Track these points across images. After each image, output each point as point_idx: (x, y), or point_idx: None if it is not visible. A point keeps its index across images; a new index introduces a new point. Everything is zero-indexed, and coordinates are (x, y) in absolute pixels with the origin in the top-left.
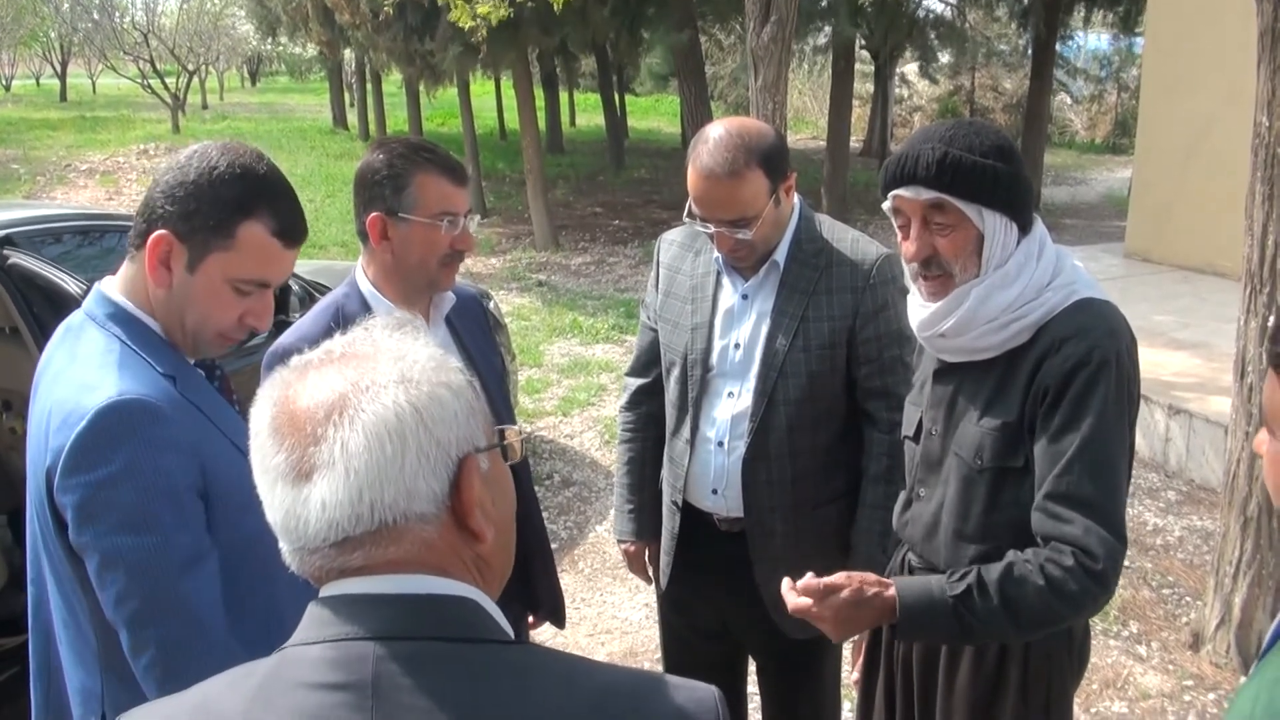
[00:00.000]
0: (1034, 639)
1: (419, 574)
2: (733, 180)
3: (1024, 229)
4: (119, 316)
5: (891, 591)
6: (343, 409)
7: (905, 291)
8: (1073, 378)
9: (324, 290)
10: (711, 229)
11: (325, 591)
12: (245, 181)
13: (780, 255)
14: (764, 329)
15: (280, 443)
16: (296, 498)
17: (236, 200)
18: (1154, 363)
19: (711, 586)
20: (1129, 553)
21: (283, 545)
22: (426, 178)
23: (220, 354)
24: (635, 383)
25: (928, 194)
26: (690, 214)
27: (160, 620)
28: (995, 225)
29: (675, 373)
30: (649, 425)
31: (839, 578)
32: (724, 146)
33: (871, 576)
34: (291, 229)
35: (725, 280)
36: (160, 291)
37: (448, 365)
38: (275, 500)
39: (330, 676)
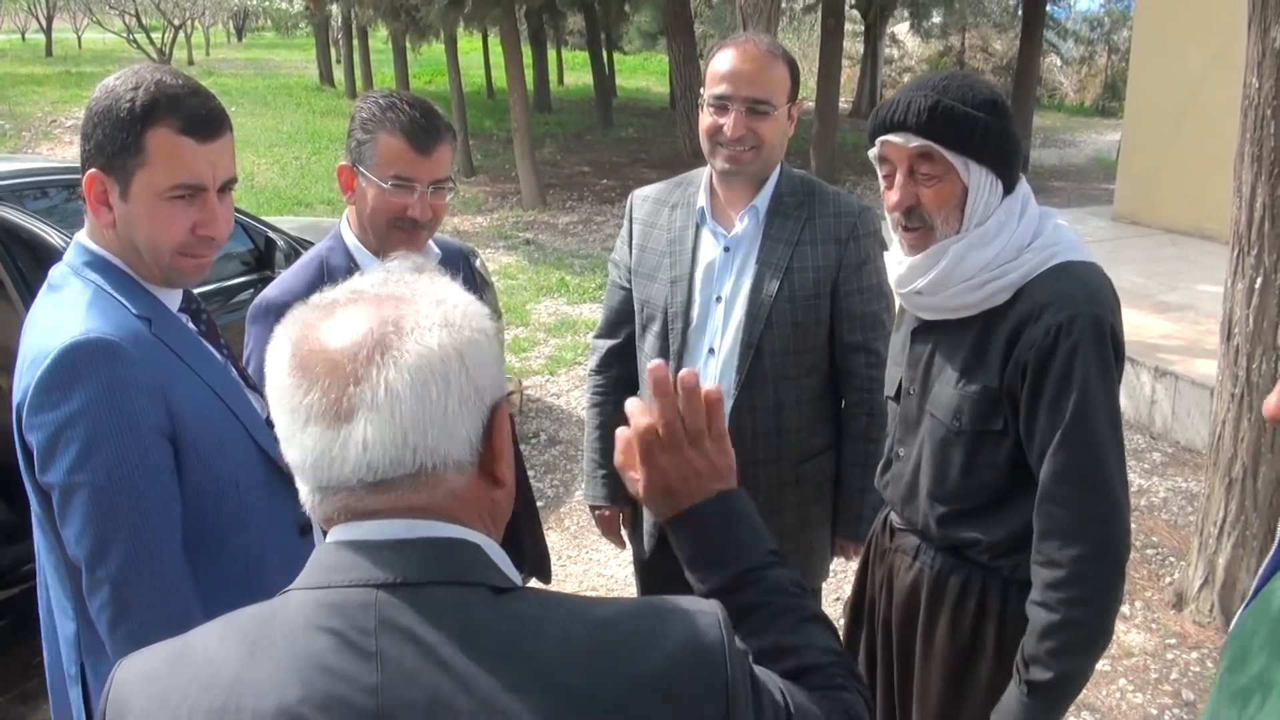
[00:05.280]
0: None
1: (429, 519)
2: (767, 57)
3: (1009, 188)
4: (95, 263)
5: None
6: (385, 349)
7: (885, 246)
8: (1053, 352)
9: (310, 247)
10: (729, 115)
11: (332, 536)
12: (139, 92)
13: (761, 203)
14: (748, 280)
15: (311, 382)
16: (334, 438)
17: (135, 113)
18: (1140, 325)
19: None
20: None
21: (302, 485)
22: (387, 138)
23: (197, 277)
24: (605, 344)
25: (916, 142)
26: (705, 105)
27: (113, 560)
28: (980, 180)
29: (654, 328)
30: (620, 388)
31: None
32: (761, 36)
33: None
34: (201, 122)
35: (705, 233)
36: (109, 231)
37: (482, 311)
38: (305, 441)
39: (333, 622)
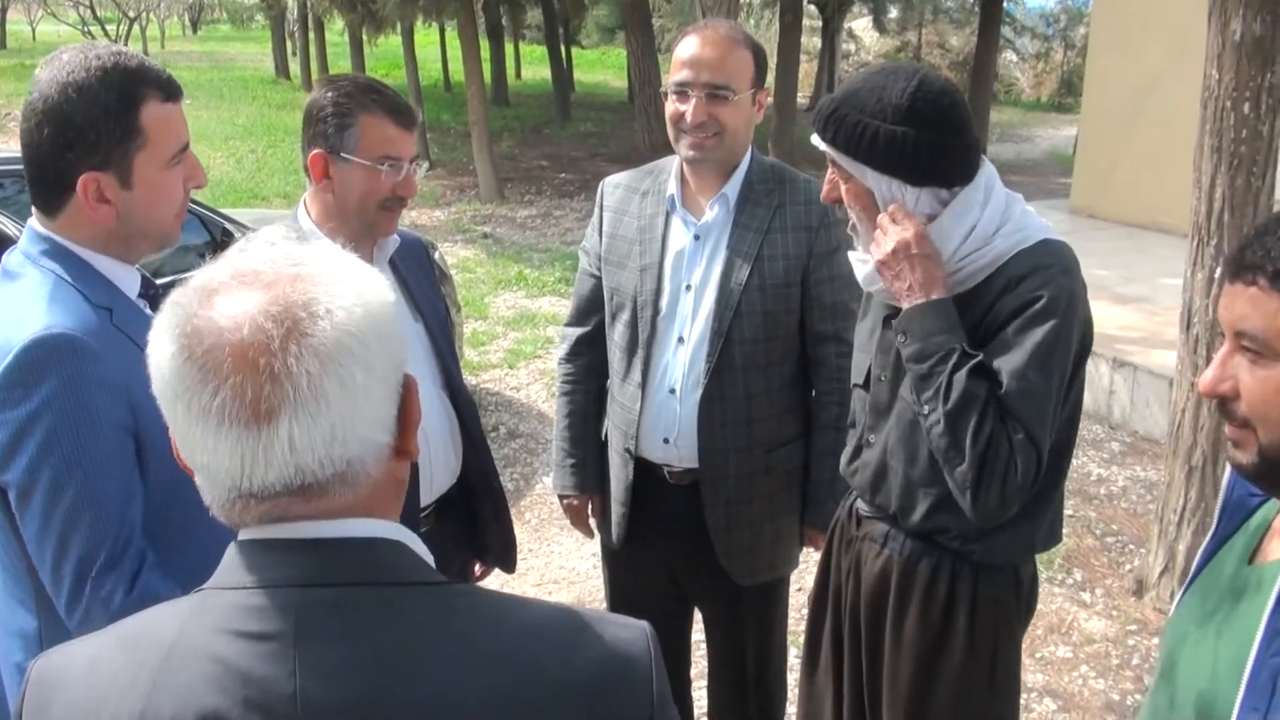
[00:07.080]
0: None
1: (350, 518)
2: (729, 43)
3: (948, 185)
4: (53, 252)
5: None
6: (300, 336)
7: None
8: (1025, 309)
9: None
10: (690, 101)
11: (245, 534)
12: (114, 75)
13: (732, 191)
14: (718, 268)
15: (220, 380)
16: (256, 441)
17: (120, 97)
18: (1099, 317)
19: (660, 540)
20: (1073, 501)
21: (217, 491)
22: (371, 119)
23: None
24: (575, 332)
25: (823, 146)
26: (669, 92)
27: (76, 555)
28: (879, 185)
29: (624, 316)
30: (589, 376)
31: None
32: (722, 23)
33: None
34: (170, 85)
35: (675, 221)
36: (108, 225)
37: (379, 274)
38: (221, 445)
39: (251, 625)
